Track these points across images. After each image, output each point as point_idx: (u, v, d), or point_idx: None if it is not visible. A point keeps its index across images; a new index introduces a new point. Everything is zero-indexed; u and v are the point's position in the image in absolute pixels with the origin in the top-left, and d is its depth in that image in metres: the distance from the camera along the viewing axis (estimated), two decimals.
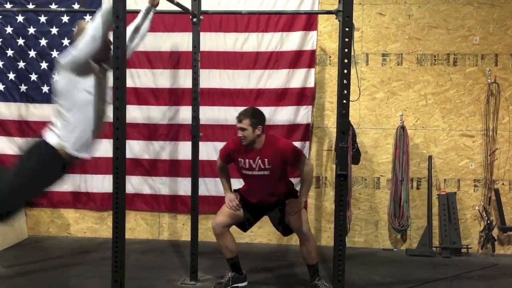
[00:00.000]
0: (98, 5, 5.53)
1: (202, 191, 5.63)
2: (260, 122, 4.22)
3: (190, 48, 4.82)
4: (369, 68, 5.88)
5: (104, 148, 6.00)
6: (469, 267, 5.25)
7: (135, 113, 5.97)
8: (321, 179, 5.99)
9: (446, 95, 5.82)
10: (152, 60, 5.98)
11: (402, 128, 5.75)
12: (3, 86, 6.11)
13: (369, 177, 5.93)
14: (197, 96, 4.70)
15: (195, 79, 4.67)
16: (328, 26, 5.87)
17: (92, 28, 3.49)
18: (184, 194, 5.98)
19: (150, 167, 6.07)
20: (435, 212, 5.80)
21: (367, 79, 5.88)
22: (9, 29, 6.07)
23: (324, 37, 5.90)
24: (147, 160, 6.07)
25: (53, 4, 6.02)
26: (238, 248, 4.53)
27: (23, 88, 6.09)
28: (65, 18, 6.02)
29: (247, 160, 4.27)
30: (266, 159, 4.22)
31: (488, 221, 5.65)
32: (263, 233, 5.99)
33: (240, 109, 4.43)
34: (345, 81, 3.75)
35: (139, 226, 6.19)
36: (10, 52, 6.08)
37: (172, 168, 6.04)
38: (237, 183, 4.62)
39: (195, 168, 4.74)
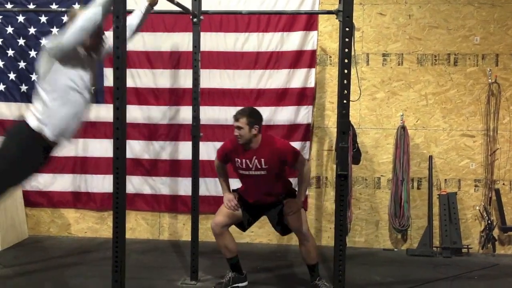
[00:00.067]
0: None
1: (203, 191, 5.63)
2: (257, 122, 4.22)
3: (190, 48, 4.82)
4: (369, 68, 5.88)
5: (104, 148, 6.04)
6: (470, 267, 5.25)
7: (135, 113, 5.97)
8: (321, 179, 5.99)
9: (447, 95, 5.81)
10: (152, 60, 5.98)
11: (403, 128, 5.75)
12: (4, 86, 6.11)
13: (369, 177, 5.93)
14: (197, 96, 4.70)
15: (196, 79, 4.67)
16: (329, 26, 5.87)
17: (83, 18, 3.42)
18: (184, 194, 5.99)
19: (150, 167, 6.07)
20: (436, 212, 5.80)
21: (368, 79, 5.88)
22: (9, 29, 6.08)
23: (325, 37, 5.90)
24: (147, 160, 6.07)
25: (54, 4, 6.02)
26: (237, 248, 4.52)
27: (23, 88, 6.09)
28: (65, 18, 6.01)
29: (243, 160, 4.27)
30: (262, 159, 4.21)
31: (489, 221, 5.65)
32: (263, 233, 5.99)
33: None
34: (345, 81, 3.74)
35: (140, 226, 6.19)
36: (10, 52, 6.08)
37: (173, 168, 6.04)
38: (236, 183, 4.61)
39: (195, 168, 4.74)
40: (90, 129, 6.07)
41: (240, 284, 4.56)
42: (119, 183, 3.23)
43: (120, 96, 3.19)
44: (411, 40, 5.82)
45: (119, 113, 3.21)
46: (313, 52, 5.79)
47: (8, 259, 5.30)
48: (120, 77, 3.19)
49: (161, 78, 5.99)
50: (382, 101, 5.88)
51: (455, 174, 5.84)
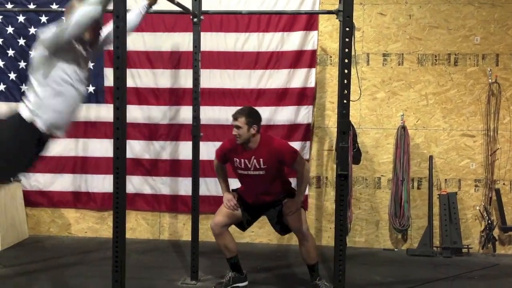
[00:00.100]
0: None
1: (203, 191, 5.63)
2: (256, 122, 4.22)
3: (190, 48, 4.82)
4: (370, 68, 5.88)
5: (105, 148, 6.04)
6: (470, 267, 5.25)
7: (135, 113, 5.98)
8: (321, 179, 5.99)
9: (447, 95, 5.81)
10: (152, 60, 5.98)
11: (403, 128, 5.75)
12: (4, 86, 6.11)
13: (369, 177, 5.93)
14: (197, 96, 4.70)
15: (196, 79, 4.68)
16: (329, 26, 5.87)
17: (80, 13, 3.36)
18: (184, 194, 5.99)
19: (150, 167, 6.07)
20: (436, 212, 5.80)
21: (368, 79, 5.88)
22: (10, 29, 6.08)
23: (325, 37, 5.90)
24: (147, 160, 6.07)
25: (54, 4, 6.02)
26: (237, 248, 4.53)
27: (24, 88, 6.09)
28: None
29: (242, 160, 4.27)
30: (261, 159, 4.21)
31: (489, 221, 5.65)
32: (264, 233, 5.99)
33: None
34: (345, 81, 3.74)
35: (140, 226, 6.19)
36: (11, 52, 6.08)
37: (173, 168, 6.04)
38: (236, 183, 4.61)
39: (195, 168, 4.74)
40: (90, 129, 6.08)
41: (240, 284, 4.56)
42: (119, 183, 3.23)
43: (120, 96, 3.19)
44: (412, 40, 5.82)
45: (119, 113, 3.21)
46: (314, 52, 5.79)
47: (8, 259, 5.30)
48: (120, 77, 3.19)
49: (162, 78, 5.99)
50: (382, 101, 5.88)
51: (456, 174, 5.84)
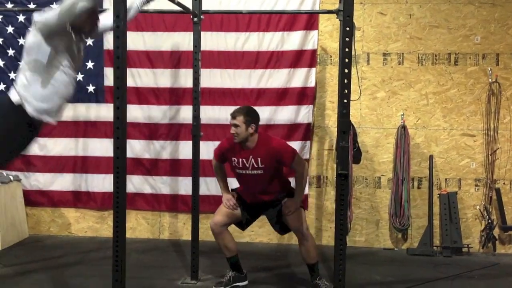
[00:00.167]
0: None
1: (203, 190, 5.63)
2: (254, 121, 4.22)
3: (191, 48, 4.82)
4: (370, 67, 5.88)
5: (105, 148, 6.04)
6: (470, 266, 5.25)
7: (136, 113, 5.98)
8: (322, 179, 5.99)
9: (447, 94, 5.81)
10: (153, 59, 5.98)
11: (403, 127, 5.75)
12: (4, 85, 6.11)
13: (370, 176, 5.93)
14: (198, 96, 4.70)
15: (196, 78, 4.68)
16: (329, 26, 5.87)
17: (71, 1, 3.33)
18: (185, 194, 5.99)
19: (151, 167, 6.07)
20: (436, 211, 5.80)
21: (368, 79, 5.88)
22: (10, 29, 6.08)
23: (325, 36, 5.89)
24: (148, 159, 6.07)
25: (54, 3, 6.00)
26: (237, 247, 4.53)
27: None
28: None
29: (240, 159, 4.27)
30: (259, 158, 4.21)
31: (489, 221, 5.65)
32: (264, 232, 5.99)
33: None
34: (346, 81, 3.74)
35: (140, 226, 6.19)
36: (11, 52, 6.08)
37: (173, 167, 6.04)
38: (235, 183, 4.60)
39: (195, 168, 4.74)
40: (90, 129, 6.08)
41: (240, 283, 4.56)
42: (120, 183, 3.23)
43: (121, 95, 3.20)
44: (412, 40, 5.82)
45: (120, 112, 3.21)
46: (314, 52, 5.79)
47: (8, 258, 5.30)
48: (120, 77, 3.19)
49: (162, 78, 5.99)
50: (382, 100, 5.88)
51: (456, 173, 5.84)
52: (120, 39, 3.17)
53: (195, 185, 4.75)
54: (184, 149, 5.93)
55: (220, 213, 4.44)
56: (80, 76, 6.03)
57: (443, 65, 5.80)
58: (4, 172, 5.97)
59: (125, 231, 3.33)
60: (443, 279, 4.87)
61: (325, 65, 5.91)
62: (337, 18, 4.08)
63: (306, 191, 5.79)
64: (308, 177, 5.73)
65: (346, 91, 3.74)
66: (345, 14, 3.74)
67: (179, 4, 4.51)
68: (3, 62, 6.09)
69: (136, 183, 6.07)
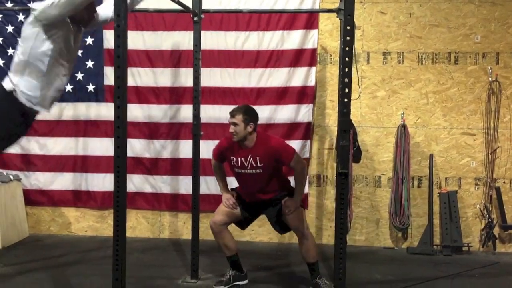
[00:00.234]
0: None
1: (203, 189, 5.63)
2: (253, 120, 4.22)
3: (191, 47, 4.82)
4: (370, 66, 5.88)
5: (105, 147, 6.04)
6: (470, 265, 5.25)
7: (136, 112, 5.97)
8: (322, 178, 5.99)
9: (447, 93, 5.81)
10: (153, 58, 5.98)
11: (403, 126, 5.75)
12: None
13: (370, 175, 5.93)
14: (198, 95, 4.70)
15: (196, 77, 4.67)
16: (329, 25, 5.86)
17: None
18: (185, 193, 5.99)
19: (151, 166, 6.07)
20: (436, 210, 5.80)
21: (368, 78, 5.88)
22: (10, 28, 6.08)
23: (325, 35, 5.89)
24: (148, 158, 6.07)
25: None
26: (237, 246, 4.53)
27: None
28: None
29: (239, 158, 4.27)
30: (257, 157, 4.21)
31: (489, 219, 5.65)
32: (264, 231, 5.99)
33: None
34: (346, 80, 3.75)
35: (140, 225, 6.19)
36: (11, 51, 6.07)
37: (173, 166, 6.04)
38: (235, 182, 4.60)
39: (196, 167, 4.74)
40: (90, 128, 6.08)
41: (240, 282, 4.57)
42: (120, 182, 3.23)
43: (121, 94, 3.19)
44: (412, 39, 5.82)
45: (120, 111, 3.21)
46: (314, 51, 5.79)
47: (8, 257, 5.30)
48: (121, 76, 3.19)
49: (162, 77, 5.99)
50: (382, 99, 5.88)
51: (456, 172, 5.84)
52: (120, 38, 3.17)
53: (195, 184, 4.75)
54: (184, 148, 5.93)
55: (219, 212, 4.44)
56: (80, 76, 6.04)
57: (443, 64, 5.80)
58: (4, 172, 5.98)
59: (125, 230, 3.33)
60: (443, 278, 4.87)
61: (325, 64, 5.91)
62: (337, 17, 4.08)
63: (306, 190, 5.79)
64: (307, 176, 5.72)
65: (346, 90, 3.74)
66: (346, 13, 3.74)
67: (179, 3, 4.51)
68: (3, 61, 6.08)
69: (136, 182, 6.07)
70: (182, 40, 5.90)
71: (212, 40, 5.87)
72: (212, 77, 5.90)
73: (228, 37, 5.88)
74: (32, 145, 6.13)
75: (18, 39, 3.55)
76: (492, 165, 5.75)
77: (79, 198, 6.19)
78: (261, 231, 6.00)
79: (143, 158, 6.06)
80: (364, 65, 5.87)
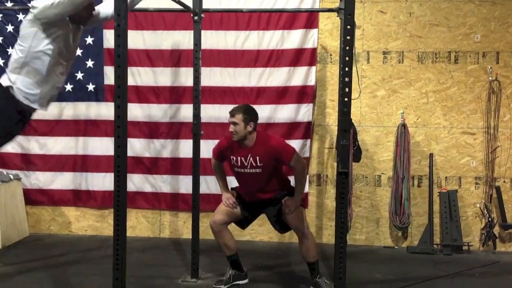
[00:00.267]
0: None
1: (203, 189, 5.63)
2: (252, 119, 4.22)
3: (191, 46, 4.82)
4: (370, 66, 5.88)
5: (105, 146, 6.04)
6: (470, 264, 5.25)
7: (136, 111, 5.97)
8: (322, 177, 5.99)
9: (447, 92, 5.81)
10: (153, 58, 5.98)
11: (403, 126, 5.75)
12: None
13: (370, 175, 5.93)
14: (198, 94, 4.70)
15: (197, 77, 4.67)
16: (329, 24, 5.86)
17: None
18: (185, 192, 5.99)
19: (151, 165, 6.07)
20: (436, 209, 5.80)
21: (368, 77, 5.87)
22: (10, 28, 6.08)
23: (325, 35, 5.89)
24: (148, 158, 6.07)
25: None
26: (237, 245, 4.53)
27: None
28: None
29: (238, 158, 4.27)
30: (257, 157, 4.21)
31: (489, 219, 5.65)
32: (264, 231, 5.99)
33: None
34: (346, 79, 3.75)
35: (140, 224, 6.19)
36: (11, 51, 6.05)
37: (173, 166, 6.04)
38: (235, 182, 4.60)
39: (196, 166, 4.74)
40: (90, 127, 6.08)
41: (240, 282, 4.57)
42: (120, 181, 3.23)
43: (121, 94, 3.19)
44: (412, 38, 5.82)
45: (120, 111, 3.20)
46: (314, 50, 5.79)
47: (8, 257, 5.30)
48: (121, 76, 3.19)
49: (162, 76, 5.99)
50: (382, 99, 5.88)
51: (456, 171, 5.84)
52: (121, 38, 3.17)
53: (195, 184, 4.75)
54: (185, 148, 5.93)
55: (219, 212, 4.44)
56: (80, 75, 6.04)
57: (443, 64, 5.80)
58: (4, 171, 5.98)
59: (126, 230, 3.33)
60: (443, 277, 4.87)
61: (325, 63, 5.91)
62: (337, 16, 4.08)
63: (306, 190, 5.79)
64: (307, 176, 5.72)
65: (347, 89, 3.74)
66: (346, 13, 3.74)
67: (179, 3, 4.51)
68: (3, 61, 6.08)
69: (136, 182, 6.07)
70: (182, 39, 5.90)
71: (212, 39, 5.87)
72: (212, 77, 5.90)
73: (228, 37, 5.88)
74: (32, 144, 6.14)
75: (18, 41, 3.54)
76: (492, 164, 5.75)
77: (79, 198, 6.19)
78: (261, 231, 6.00)
79: (143, 157, 6.06)
80: (364, 64, 5.87)
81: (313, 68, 5.81)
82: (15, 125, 3.65)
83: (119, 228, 3.25)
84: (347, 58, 3.74)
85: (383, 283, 4.74)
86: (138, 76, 5.99)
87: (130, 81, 5.78)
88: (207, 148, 5.55)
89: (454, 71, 5.79)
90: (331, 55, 5.89)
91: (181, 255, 5.45)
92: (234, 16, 5.83)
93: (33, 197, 6.20)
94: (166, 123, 6.03)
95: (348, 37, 3.74)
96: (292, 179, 4.50)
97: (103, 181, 6.11)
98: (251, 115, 4.23)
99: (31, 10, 3.42)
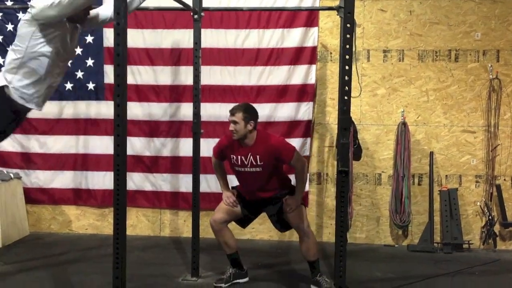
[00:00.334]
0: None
1: (203, 187, 5.62)
2: (253, 118, 4.22)
3: (191, 45, 4.82)
4: (370, 64, 5.87)
5: (105, 145, 6.05)
6: (471, 262, 5.25)
7: (136, 110, 5.97)
8: (322, 176, 5.99)
9: (448, 91, 5.81)
10: (153, 57, 5.98)
11: (404, 124, 5.75)
12: None
13: (370, 173, 5.93)
14: (198, 93, 4.70)
15: (196, 75, 4.67)
16: (329, 22, 5.86)
17: None
18: (185, 191, 5.99)
19: (151, 164, 6.08)
20: (437, 208, 5.80)
21: (368, 75, 5.87)
22: (10, 27, 6.07)
23: (325, 33, 5.89)
24: (148, 156, 6.07)
25: None
26: (237, 244, 4.53)
27: None
28: None
29: (239, 157, 4.27)
30: (258, 156, 4.21)
31: (490, 217, 5.65)
32: (264, 229, 5.99)
33: None
34: (346, 78, 3.75)
35: (141, 223, 6.19)
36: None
37: (173, 164, 6.04)
38: (236, 180, 4.60)
39: (196, 165, 4.74)
40: (90, 126, 6.09)
41: (240, 280, 4.57)
42: (120, 180, 3.23)
43: (121, 93, 3.19)
44: (412, 36, 5.81)
45: (120, 110, 3.20)
46: (314, 49, 5.79)
47: (9, 256, 5.30)
48: (120, 74, 3.18)
49: (162, 75, 5.99)
50: (383, 97, 5.88)
51: (456, 170, 5.84)
52: (120, 36, 3.16)
53: (196, 183, 4.74)
54: (185, 146, 5.93)
55: (220, 210, 4.44)
56: (80, 74, 6.04)
57: (444, 62, 5.79)
58: (5, 170, 5.98)
59: (126, 229, 3.33)
60: (443, 276, 4.87)
61: (326, 62, 5.91)
62: (337, 15, 4.07)
63: (307, 188, 5.79)
64: (308, 174, 5.72)
65: (346, 88, 3.74)
66: (346, 11, 3.74)
67: (179, 1, 4.50)
68: (3, 60, 6.07)
69: (136, 181, 6.07)
70: (182, 38, 5.90)
71: (212, 38, 5.86)
72: (212, 75, 5.89)
73: (228, 35, 5.88)
74: (32, 143, 6.14)
75: (15, 40, 3.54)
76: (493, 163, 5.75)
77: (80, 196, 6.19)
78: (261, 229, 6.01)
79: (143, 156, 6.06)
80: (365, 63, 5.87)
81: (313, 67, 5.80)
82: (9, 124, 3.64)
83: (119, 226, 3.25)
84: (347, 57, 3.74)
85: (383, 281, 4.74)
86: (138, 75, 5.99)
87: (130, 80, 5.79)
88: (207, 146, 5.54)
89: (454, 69, 5.78)
90: (331, 53, 5.89)
91: (182, 254, 5.45)
92: (234, 14, 5.83)
93: (34, 196, 6.20)
94: (166, 121, 6.03)
95: (348, 36, 3.73)
96: (292, 177, 4.51)
97: (103, 180, 6.11)
98: (251, 114, 4.22)
99: (29, 10, 3.42)
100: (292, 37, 5.79)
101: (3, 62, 6.01)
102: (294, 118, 5.83)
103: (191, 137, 4.80)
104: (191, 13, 4.63)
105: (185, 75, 5.89)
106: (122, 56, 3.17)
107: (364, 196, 5.95)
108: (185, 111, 5.89)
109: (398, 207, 5.72)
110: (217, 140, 4.66)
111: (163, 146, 6.05)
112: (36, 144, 6.13)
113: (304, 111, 5.83)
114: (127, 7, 3.59)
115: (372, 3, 5.83)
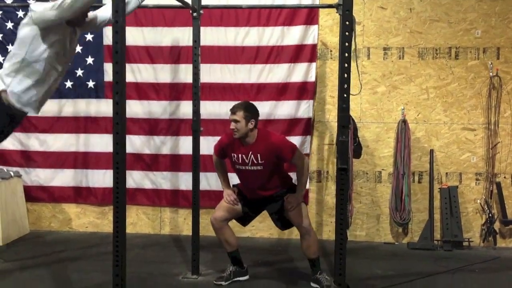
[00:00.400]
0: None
1: (203, 185, 5.63)
2: (253, 116, 4.22)
3: (190, 43, 4.81)
4: (370, 62, 5.87)
5: (105, 143, 6.05)
6: (471, 260, 5.25)
7: (136, 108, 5.97)
8: (322, 173, 5.99)
9: (448, 88, 5.80)
10: (152, 54, 5.98)
11: (404, 122, 5.75)
12: None
13: (370, 171, 5.93)
14: (198, 91, 4.69)
15: (196, 73, 4.66)
16: (329, 20, 5.85)
17: None
18: (185, 189, 5.99)
19: (151, 162, 6.08)
20: (437, 205, 5.80)
21: (369, 73, 5.87)
22: (9, 25, 6.07)
23: (325, 31, 5.88)
24: (148, 154, 6.07)
25: None
26: (237, 242, 4.54)
27: None
28: None
29: (239, 155, 4.27)
30: (258, 154, 4.21)
31: (490, 215, 5.65)
32: (265, 227, 5.99)
33: None
34: (345, 75, 3.74)
35: (141, 221, 6.20)
36: (10, 47, 6.05)
37: (173, 162, 6.04)
38: (237, 178, 4.60)
39: (196, 163, 4.74)
40: (90, 124, 6.09)
41: (241, 278, 4.57)
42: (119, 178, 3.23)
43: (120, 90, 3.18)
44: (412, 34, 5.80)
45: (119, 107, 3.20)
46: (314, 46, 5.78)
47: (9, 254, 5.31)
48: (119, 72, 3.18)
49: (162, 73, 5.99)
50: (383, 95, 5.87)
51: (456, 167, 5.84)
52: (119, 34, 3.16)
53: (196, 180, 4.74)
54: (184, 144, 5.93)
55: (220, 208, 4.45)
56: (80, 72, 6.04)
57: (444, 59, 5.79)
58: (5, 168, 5.98)
59: (125, 227, 3.33)
60: (443, 273, 4.87)
61: (326, 59, 5.90)
62: (337, 12, 4.07)
63: (307, 186, 5.78)
64: (309, 172, 5.72)
65: (346, 85, 3.73)
66: (345, 8, 3.73)
67: None
68: (3, 58, 6.07)
69: (136, 179, 6.07)
70: (182, 36, 5.90)
71: (212, 36, 5.86)
72: (212, 73, 5.89)
73: (228, 33, 5.87)
74: (32, 141, 6.14)
75: (15, 44, 3.53)
76: (493, 160, 5.74)
77: (80, 194, 6.20)
78: (261, 227, 6.01)
79: (143, 154, 6.07)
80: (365, 60, 5.86)
81: (313, 65, 5.80)
82: (6, 127, 3.65)
83: (119, 224, 3.25)
84: (346, 54, 3.74)
85: (383, 279, 4.74)
86: (138, 72, 5.99)
87: (130, 78, 5.79)
88: (207, 144, 5.55)
89: (454, 67, 5.78)
90: (331, 51, 5.88)
91: (182, 252, 5.46)
92: (234, 12, 5.82)
93: (34, 194, 6.20)
94: (166, 119, 6.03)
95: (347, 33, 3.73)
96: (293, 175, 4.50)
97: (104, 178, 6.11)
98: (252, 113, 4.22)
99: (29, 14, 3.42)
100: (292, 35, 5.78)
101: (3, 60, 6.05)
102: (294, 116, 5.83)
103: (191, 135, 4.80)
104: (191, 11, 4.63)
105: (185, 73, 5.89)
106: (121, 54, 3.17)
107: (364, 194, 5.95)
108: (185, 109, 5.89)
109: (398, 205, 5.72)
110: (217, 138, 4.66)
111: (163, 144, 6.05)
112: (36, 142, 6.13)
113: (304, 109, 5.83)
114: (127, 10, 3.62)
115: (372, 1, 5.82)
